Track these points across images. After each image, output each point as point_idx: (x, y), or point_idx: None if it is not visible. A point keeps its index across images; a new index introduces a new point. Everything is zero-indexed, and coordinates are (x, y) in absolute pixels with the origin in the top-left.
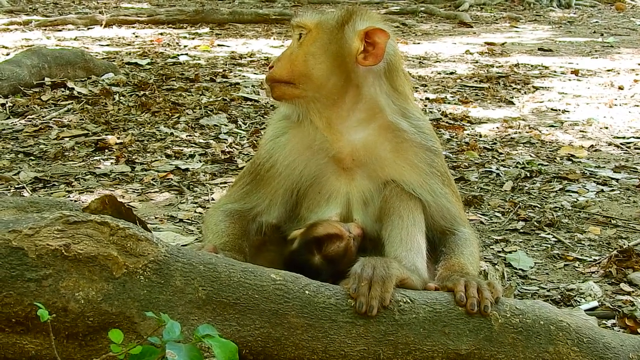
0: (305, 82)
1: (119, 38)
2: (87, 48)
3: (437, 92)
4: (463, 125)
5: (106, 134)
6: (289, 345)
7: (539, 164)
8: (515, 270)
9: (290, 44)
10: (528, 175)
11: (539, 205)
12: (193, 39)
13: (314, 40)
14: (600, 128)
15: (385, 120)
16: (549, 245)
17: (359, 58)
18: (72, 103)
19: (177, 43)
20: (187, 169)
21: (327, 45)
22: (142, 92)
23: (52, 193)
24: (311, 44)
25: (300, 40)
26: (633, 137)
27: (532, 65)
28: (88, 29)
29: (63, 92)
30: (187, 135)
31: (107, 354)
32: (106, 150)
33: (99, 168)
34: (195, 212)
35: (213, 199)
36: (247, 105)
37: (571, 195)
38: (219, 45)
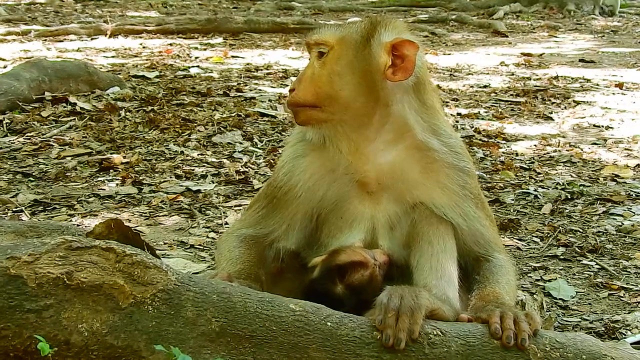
0: (331, 105)
1: (125, 49)
2: (91, 60)
3: (470, 107)
4: (498, 142)
5: (111, 153)
6: None
7: (580, 185)
8: (555, 300)
9: (309, 62)
10: (569, 197)
11: (580, 230)
12: (205, 49)
13: (337, 58)
14: None
15: (414, 139)
16: (592, 273)
17: (387, 73)
18: (75, 119)
19: (187, 54)
20: (198, 191)
21: (354, 62)
22: (150, 108)
23: (52, 216)
24: (335, 63)
25: (322, 58)
26: None
27: (572, 78)
28: (92, 39)
29: (65, 107)
30: (198, 154)
31: None
32: (111, 171)
33: (104, 189)
34: (208, 237)
35: (227, 223)
36: (264, 121)
37: (616, 219)
38: (233, 56)
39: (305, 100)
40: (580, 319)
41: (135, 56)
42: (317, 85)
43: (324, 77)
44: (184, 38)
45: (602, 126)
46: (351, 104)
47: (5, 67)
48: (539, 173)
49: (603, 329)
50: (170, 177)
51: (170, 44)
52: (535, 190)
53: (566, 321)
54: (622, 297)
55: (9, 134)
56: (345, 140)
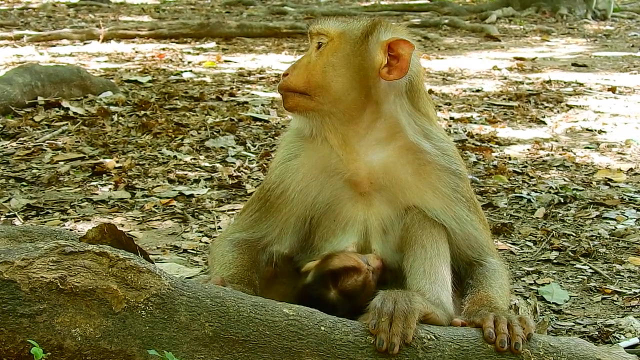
0: (321, 95)
1: (118, 54)
2: (84, 65)
3: (463, 111)
4: (491, 147)
5: (104, 158)
6: None
7: (573, 189)
8: (549, 304)
9: (308, 51)
10: (562, 201)
11: (573, 234)
12: (198, 54)
13: (335, 50)
14: None
15: (406, 140)
16: (585, 277)
17: (382, 72)
18: (67, 124)
19: (180, 59)
20: (191, 195)
21: (350, 56)
22: (142, 112)
23: (45, 221)
24: (332, 54)
25: (320, 49)
26: None
27: (565, 82)
28: (84, 44)
29: (57, 112)
30: (191, 159)
31: None
32: (104, 175)
33: (97, 194)
34: (201, 241)
35: (220, 228)
36: (257, 125)
37: (609, 223)
38: (225, 61)
39: (296, 86)
40: (573, 323)
41: (128, 61)
42: (310, 73)
43: (318, 67)
44: (177, 42)
45: (595, 130)
46: (342, 96)
47: None
48: (532, 177)
49: (597, 333)
50: (163, 182)
51: (163, 49)
52: (528, 194)
53: (560, 325)
54: (615, 301)
55: (1, 139)
56: (333, 132)
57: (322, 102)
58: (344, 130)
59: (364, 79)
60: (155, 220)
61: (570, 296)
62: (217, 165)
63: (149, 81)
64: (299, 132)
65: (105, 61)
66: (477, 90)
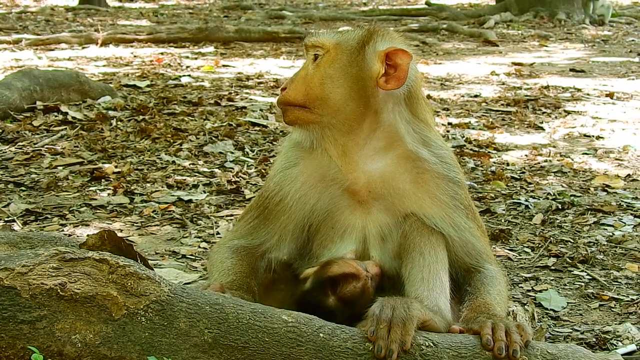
0: (321, 107)
1: (117, 58)
2: (82, 69)
3: (461, 117)
4: (489, 152)
5: (103, 163)
6: None
7: (571, 195)
8: (547, 311)
9: (304, 64)
10: (559, 207)
11: (571, 240)
12: (196, 59)
13: (332, 61)
14: (638, 156)
15: (404, 149)
16: (583, 284)
17: (380, 82)
18: (66, 129)
19: (178, 63)
20: (190, 201)
21: (347, 67)
22: (141, 117)
23: (44, 226)
24: (329, 66)
25: (317, 61)
26: None
27: (563, 88)
28: (83, 48)
29: (56, 116)
30: (190, 164)
31: None
32: (103, 180)
33: (95, 199)
34: (200, 247)
35: (218, 233)
36: (255, 130)
37: (606, 229)
38: (224, 65)
39: (295, 99)
40: (571, 330)
41: (127, 65)
42: (308, 86)
43: (316, 79)
44: (175, 47)
45: (593, 136)
46: (341, 108)
47: None
48: (530, 183)
49: (594, 339)
50: (162, 187)
51: (162, 53)
52: (526, 200)
53: (557, 332)
54: (612, 307)
55: (0, 144)
56: (333, 143)
57: (321, 114)
58: (344, 141)
59: (362, 89)
60: (154, 225)
61: (567, 303)
62: (216, 170)
63: (148, 86)
64: (299, 143)
65: (104, 65)
66: (475, 96)
